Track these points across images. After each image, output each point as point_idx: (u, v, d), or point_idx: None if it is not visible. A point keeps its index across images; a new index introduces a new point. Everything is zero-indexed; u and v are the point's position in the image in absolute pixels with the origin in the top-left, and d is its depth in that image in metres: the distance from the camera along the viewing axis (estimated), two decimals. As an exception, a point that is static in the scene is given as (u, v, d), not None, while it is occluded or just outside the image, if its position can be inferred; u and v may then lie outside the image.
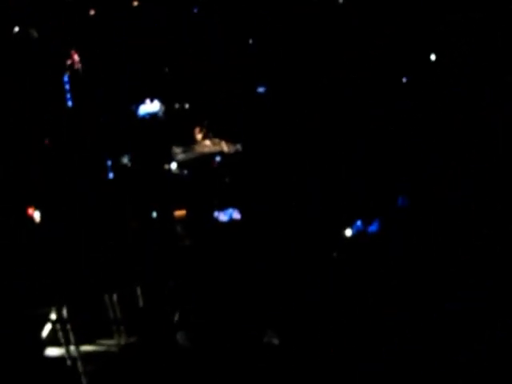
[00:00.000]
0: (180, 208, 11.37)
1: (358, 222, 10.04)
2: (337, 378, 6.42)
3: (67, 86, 14.35)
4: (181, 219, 11.26)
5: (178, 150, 14.41)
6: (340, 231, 10.07)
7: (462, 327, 6.51)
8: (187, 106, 15.42)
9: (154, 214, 11.49)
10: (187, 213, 11.28)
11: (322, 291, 8.26)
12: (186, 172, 13.59)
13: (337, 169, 11.09)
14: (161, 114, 15.35)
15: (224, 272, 8.75)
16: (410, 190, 10.41)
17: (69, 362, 7.70)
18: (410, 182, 10.50)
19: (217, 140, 14.63)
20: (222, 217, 11.20)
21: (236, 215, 11.22)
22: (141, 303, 8.45)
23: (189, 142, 14.53)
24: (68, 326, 7.74)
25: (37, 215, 10.88)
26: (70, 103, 14.27)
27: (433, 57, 11.47)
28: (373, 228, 9.93)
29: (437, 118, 10.85)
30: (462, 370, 5.85)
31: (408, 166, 10.67)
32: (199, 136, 14.84)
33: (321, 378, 6.48)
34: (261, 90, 14.67)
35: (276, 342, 7.06)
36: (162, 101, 15.32)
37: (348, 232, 10.06)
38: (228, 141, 14.32)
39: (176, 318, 7.36)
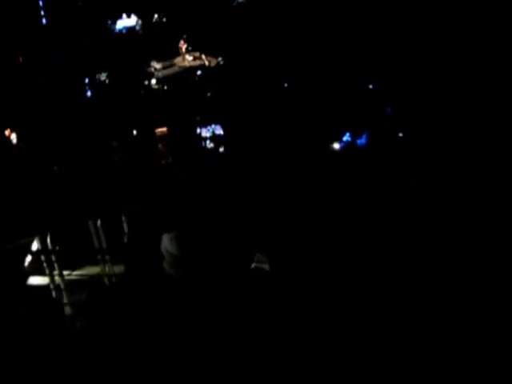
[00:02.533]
0: (161, 125, 10.44)
1: (347, 135, 9.17)
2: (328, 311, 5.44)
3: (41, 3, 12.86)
4: (162, 137, 10.36)
5: (157, 66, 13.64)
6: (328, 145, 9.15)
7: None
8: (165, 19, 14.24)
9: (135, 132, 10.68)
10: (168, 130, 10.35)
11: (311, 210, 7.24)
12: (166, 88, 12.75)
13: (323, 79, 9.98)
14: (138, 28, 14.29)
15: (209, 193, 7.84)
16: (398, 100, 9.37)
17: (53, 293, 6.75)
18: (398, 92, 9.44)
19: (197, 54, 13.82)
20: (205, 133, 10.44)
21: (218, 131, 10.44)
22: (126, 229, 7.44)
23: (169, 57, 13.63)
24: (52, 256, 6.77)
25: (14, 137, 9.93)
26: (44, 21, 12.91)
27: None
28: (362, 141, 9.04)
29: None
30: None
31: (396, 75, 9.55)
32: (184, 49, 13.99)
33: (312, 310, 5.48)
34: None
35: (265, 267, 6.05)
36: (138, 15, 14.20)
37: (336, 145, 9.17)
38: (209, 54, 13.47)
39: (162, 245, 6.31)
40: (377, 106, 9.40)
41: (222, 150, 9.98)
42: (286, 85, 10.68)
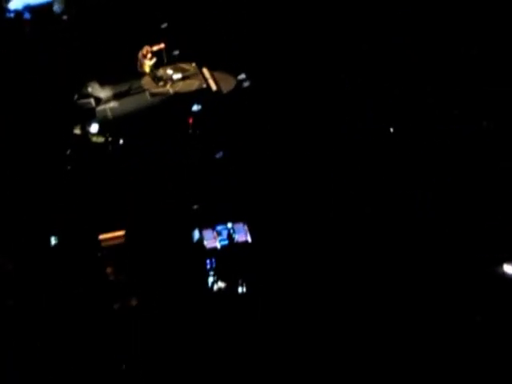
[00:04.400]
0: (111, 227, 10.53)
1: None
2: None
3: None
4: (114, 249, 10.46)
5: (102, 92, 14.19)
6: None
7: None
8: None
9: (53, 241, 10.68)
10: (127, 236, 10.49)
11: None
12: (122, 142, 12.88)
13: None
14: (58, 8, 15.22)
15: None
16: None
17: None
18: None
19: (193, 67, 14.66)
20: (212, 241, 10.41)
21: (242, 236, 10.51)
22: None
23: (127, 74, 14.34)
24: None
25: None
26: None
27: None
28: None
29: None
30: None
31: None
32: (148, 63, 14.42)
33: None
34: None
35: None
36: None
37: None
38: (217, 69, 14.38)
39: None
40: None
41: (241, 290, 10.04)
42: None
